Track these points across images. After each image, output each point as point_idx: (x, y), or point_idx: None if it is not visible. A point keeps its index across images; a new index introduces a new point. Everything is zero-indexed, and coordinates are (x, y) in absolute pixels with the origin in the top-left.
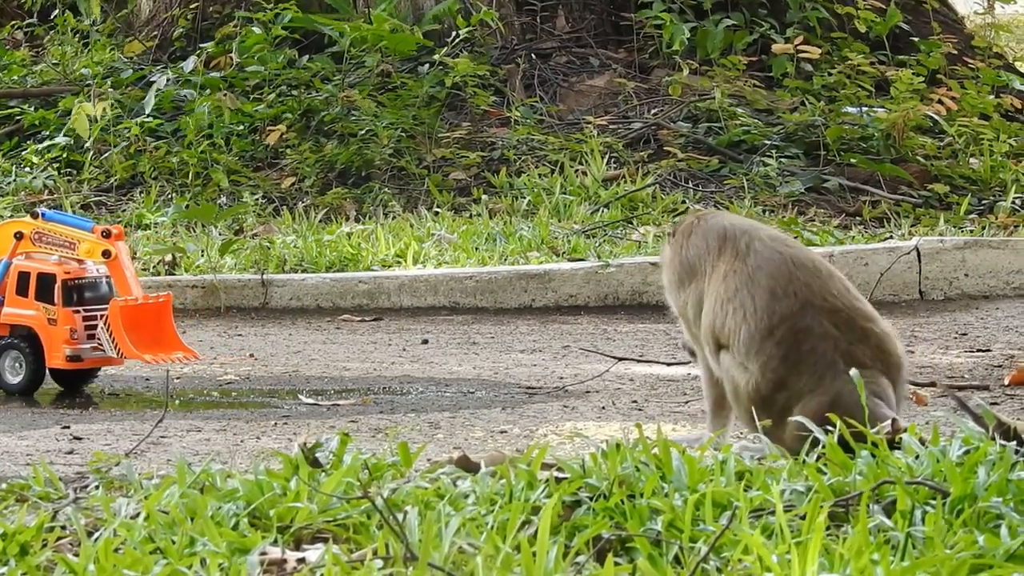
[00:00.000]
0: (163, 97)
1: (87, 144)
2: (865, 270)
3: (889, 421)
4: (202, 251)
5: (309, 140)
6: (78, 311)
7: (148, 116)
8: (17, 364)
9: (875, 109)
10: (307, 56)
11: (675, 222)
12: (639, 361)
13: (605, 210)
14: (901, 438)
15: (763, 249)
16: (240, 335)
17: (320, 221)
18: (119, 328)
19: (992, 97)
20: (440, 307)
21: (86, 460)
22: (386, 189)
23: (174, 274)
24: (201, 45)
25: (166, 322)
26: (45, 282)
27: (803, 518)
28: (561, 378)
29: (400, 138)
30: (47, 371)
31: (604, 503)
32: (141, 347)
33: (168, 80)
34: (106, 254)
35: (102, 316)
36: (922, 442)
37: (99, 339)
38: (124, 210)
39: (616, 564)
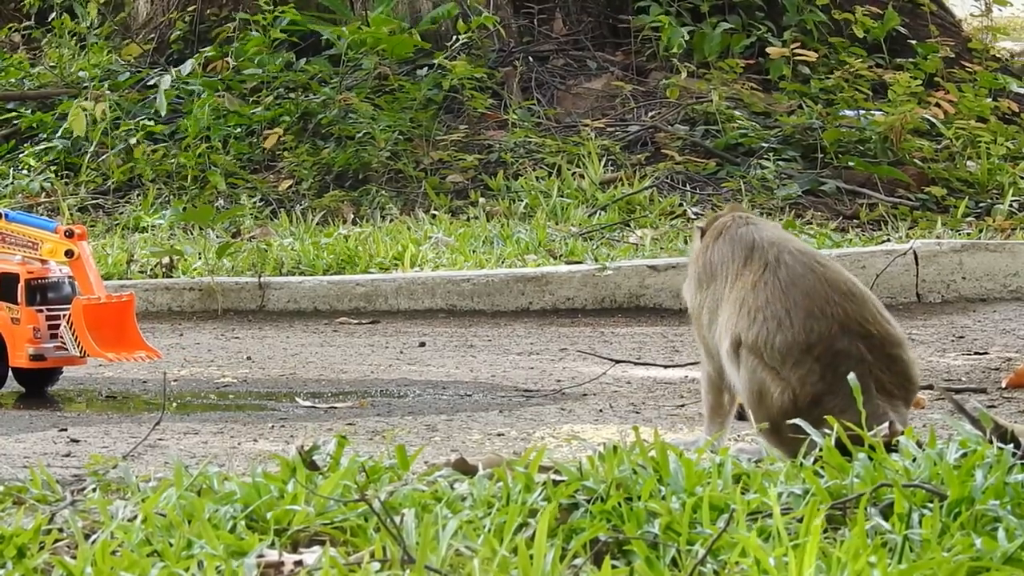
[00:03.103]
0: (160, 107)
1: (88, 143)
2: (862, 273)
3: (887, 424)
4: (199, 253)
5: (306, 143)
6: (41, 310)
7: (149, 119)
8: None
9: (872, 112)
10: (304, 59)
11: (709, 216)
12: (636, 364)
13: (602, 213)
14: (898, 441)
15: (795, 264)
16: (237, 338)
17: (317, 224)
18: (82, 327)
19: (989, 100)
20: (437, 310)
21: (83, 463)
22: (383, 192)
23: (171, 276)
24: (199, 48)
25: (129, 321)
26: (8, 282)
27: (800, 521)
28: (558, 381)
29: (397, 141)
30: (10, 371)
31: (601, 506)
32: (104, 346)
33: (173, 79)
34: (69, 254)
35: (65, 315)
36: (919, 445)
37: (62, 338)
38: (122, 212)
39: (613, 567)
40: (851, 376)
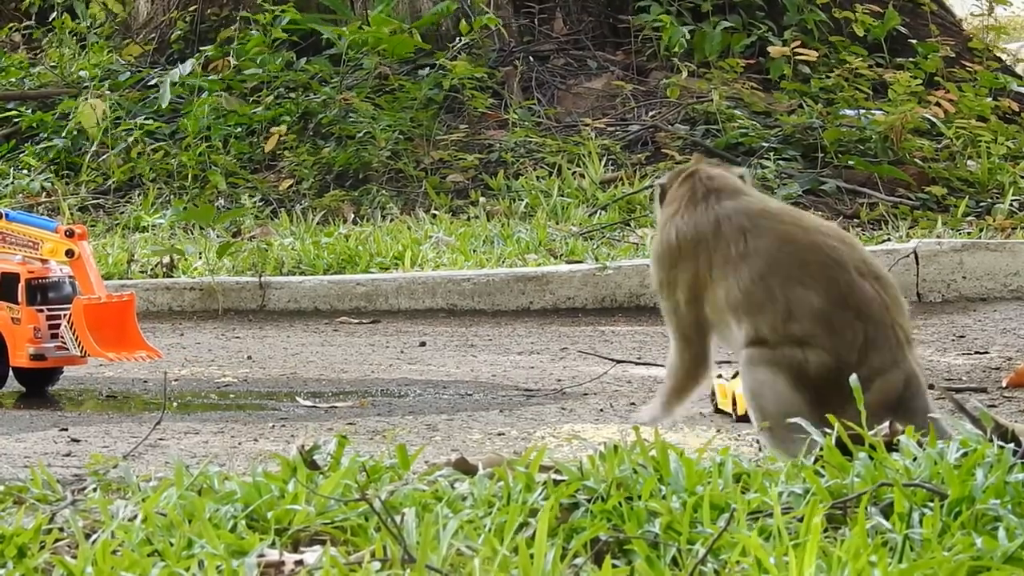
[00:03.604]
0: (163, 98)
1: (89, 142)
2: None
3: (886, 424)
4: (200, 253)
5: (307, 142)
6: (42, 310)
7: (148, 118)
8: None
9: (873, 111)
10: (305, 58)
11: (668, 174)
12: (637, 363)
13: (603, 212)
14: (899, 440)
15: (803, 236)
16: (238, 337)
17: (318, 223)
18: (83, 327)
19: (990, 99)
20: (438, 309)
21: (84, 462)
22: (384, 191)
23: (172, 276)
24: (199, 48)
25: (129, 321)
26: (9, 281)
27: (801, 520)
28: (559, 380)
29: (398, 140)
30: (10, 370)
31: (602, 505)
32: (104, 346)
33: (180, 74)
34: (69, 253)
35: (66, 315)
36: (920, 444)
37: (63, 338)
38: (122, 212)
39: (614, 566)
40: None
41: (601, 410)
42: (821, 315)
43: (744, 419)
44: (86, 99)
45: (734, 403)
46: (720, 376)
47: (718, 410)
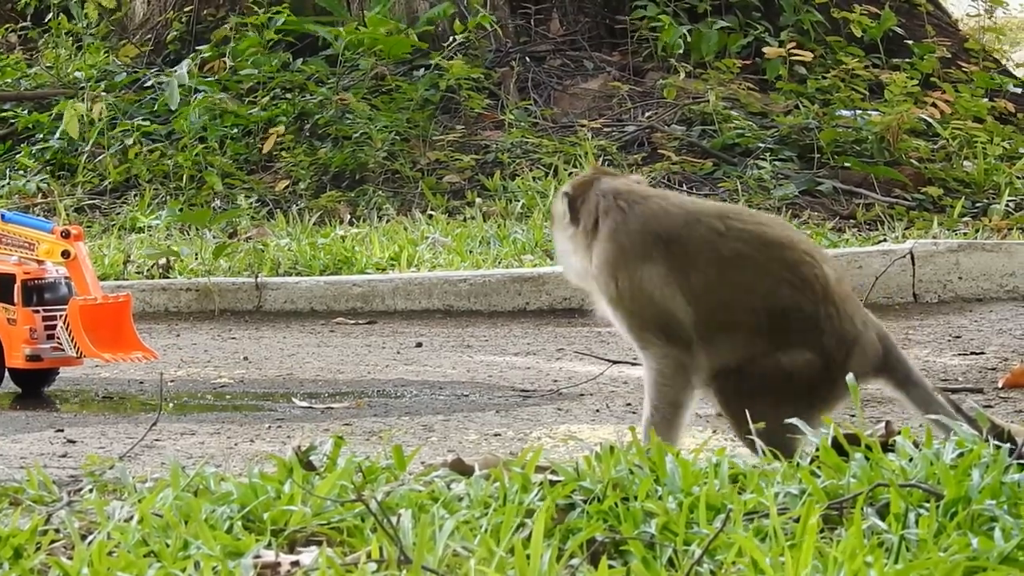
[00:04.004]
0: (159, 100)
1: (85, 143)
2: (859, 273)
3: (883, 424)
4: (196, 254)
5: (303, 143)
6: (38, 311)
7: (146, 119)
8: None
9: (869, 112)
10: (301, 59)
11: (572, 184)
12: (633, 364)
13: None
14: (894, 440)
15: (746, 230)
16: (234, 338)
17: (314, 224)
18: (78, 328)
19: (986, 100)
20: (434, 310)
21: (80, 463)
22: (380, 192)
23: (168, 277)
24: (196, 48)
25: (125, 322)
26: (5, 282)
27: (797, 521)
28: (555, 381)
29: (394, 141)
30: (6, 371)
31: (598, 506)
32: (100, 346)
33: (184, 75)
34: (65, 254)
35: (62, 316)
36: (916, 445)
37: (59, 339)
38: (118, 213)
39: (610, 567)
40: (849, 377)
41: (597, 411)
42: (796, 312)
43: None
44: (75, 103)
45: None
46: None
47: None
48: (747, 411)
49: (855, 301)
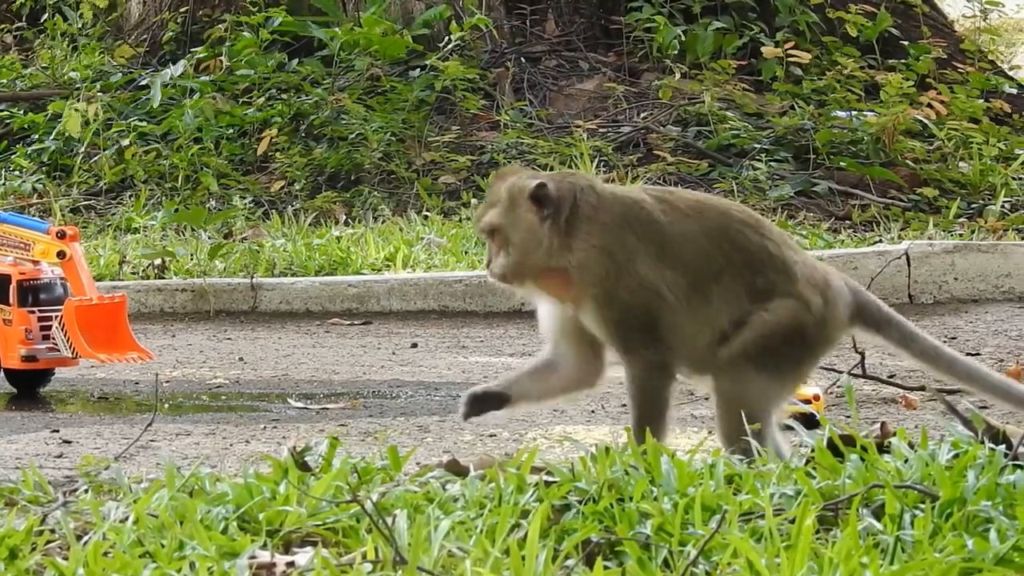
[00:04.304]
0: (153, 99)
1: (80, 144)
2: (854, 274)
3: (878, 425)
4: (191, 255)
5: (299, 144)
6: (33, 311)
7: (140, 119)
8: None
9: (865, 113)
10: (297, 60)
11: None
12: None
13: None
14: (890, 441)
15: (711, 215)
16: (229, 339)
17: (309, 225)
18: (74, 328)
19: (981, 101)
20: (430, 311)
21: (75, 464)
22: (375, 193)
23: (163, 278)
24: (191, 49)
25: (120, 322)
26: (0, 283)
27: (792, 522)
28: None
29: (390, 142)
30: (2, 372)
31: (593, 507)
32: (96, 347)
33: (171, 76)
34: (61, 255)
35: (57, 316)
36: (911, 446)
37: (54, 339)
38: (114, 214)
39: (605, 568)
40: (843, 377)
41: (592, 411)
42: (764, 253)
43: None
44: (77, 101)
45: None
46: None
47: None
48: (742, 392)
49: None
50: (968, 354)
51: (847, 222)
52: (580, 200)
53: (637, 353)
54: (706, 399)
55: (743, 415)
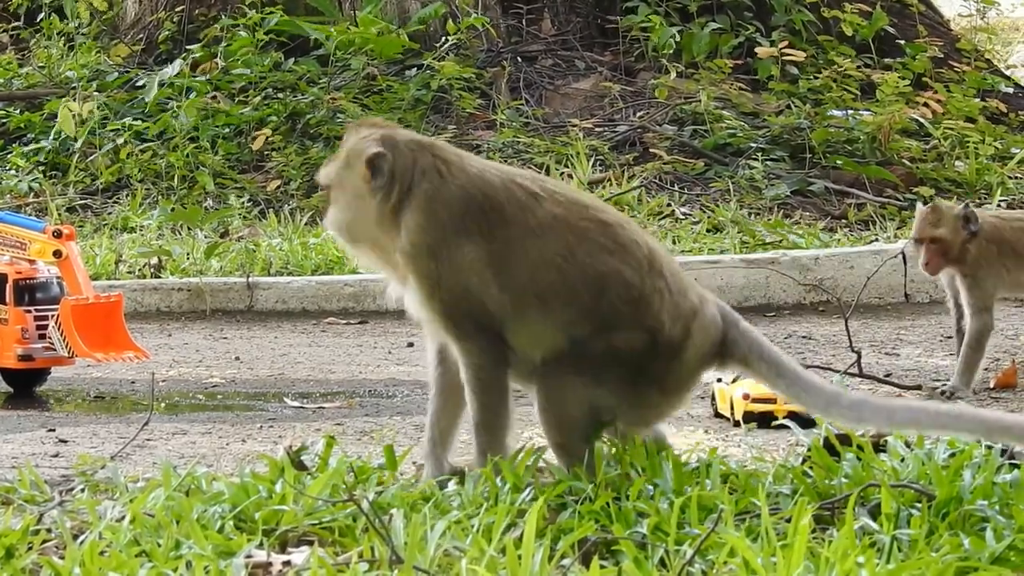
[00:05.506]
0: (152, 100)
1: (76, 142)
2: (851, 273)
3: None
4: (187, 254)
5: (295, 143)
6: (29, 311)
7: (136, 118)
8: None
9: (861, 112)
10: (293, 59)
11: (384, 146)
12: None
13: None
14: (886, 440)
15: (566, 202)
16: (225, 338)
17: (306, 224)
18: (70, 327)
19: (978, 100)
20: None
21: (72, 463)
22: None
23: (159, 277)
24: (187, 48)
25: (117, 321)
26: None
27: (789, 521)
28: None
29: None
30: None
31: (590, 506)
32: (92, 346)
33: (168, 75)
34: (57, 254)
35: (53, 316)
36: (907, 445)
37: (50, 338)
38: (110, 213)
39: (602, 567)
40: (839, 376)
41: None
42: (619, 282)
43: (738, 423)
44: (68, 102)
45: (731, 407)
46: (719, 380)
47: (718, 414)
48: (565, 401)
49: (685, 276)
50: None
51: (843, 221)
52: (418, 182)
53: (468, 343)
54: (701, 398)
55: (568, 425)
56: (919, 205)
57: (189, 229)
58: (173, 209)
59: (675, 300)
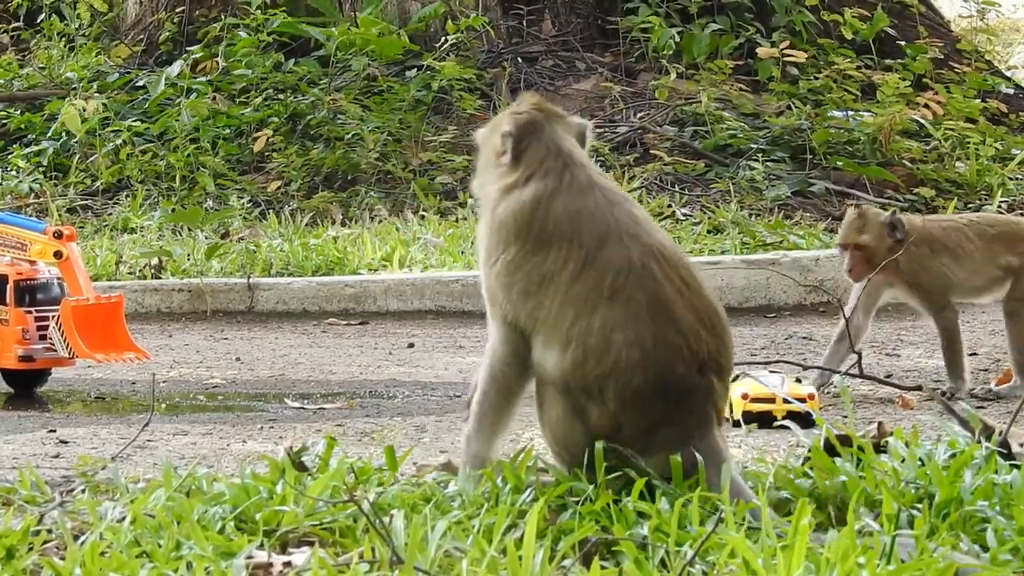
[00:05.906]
0: (151, 100)
1: (77, 140)
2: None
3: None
4: (188, 255)
5: (295, 144)
6: (30, 312)
7: (136, 119)
8: None
9: (861, 113)
10: (294, 60)
11: (519, 129)
12: None
13: None
14: (887, 441)
15: (663, 278)
16: (226, 339)
17: (306, 225)
18: (71, 328)
19: (978, 101)
20: (426, 311)
21: (72, 464)
22: (372, 193)
23: (160, 278)
24: (187, 49)
25: (117, 322)
26: None
27: (789, 521)
28: None
29: (386, 142)
30: None
31: (590, 507)
32: (93, 347)
33: (169, 76)
34: (58, 255)
35: (54, 316)
36: (908, 445)
37: (51, 339)
38: (110, 214)
39: (602, 568)
40: (839, 377)
41: None
42: (638, 394)
43: (738, 424)
44: (73, 100)
45: (730, 407)
46: None
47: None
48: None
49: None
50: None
51: None
52: (545, 167)
53: (495, 329)
54: None
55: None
56: (849, 210)
57: (190, 230)
58: (174, 210)
59: (654, 417)
